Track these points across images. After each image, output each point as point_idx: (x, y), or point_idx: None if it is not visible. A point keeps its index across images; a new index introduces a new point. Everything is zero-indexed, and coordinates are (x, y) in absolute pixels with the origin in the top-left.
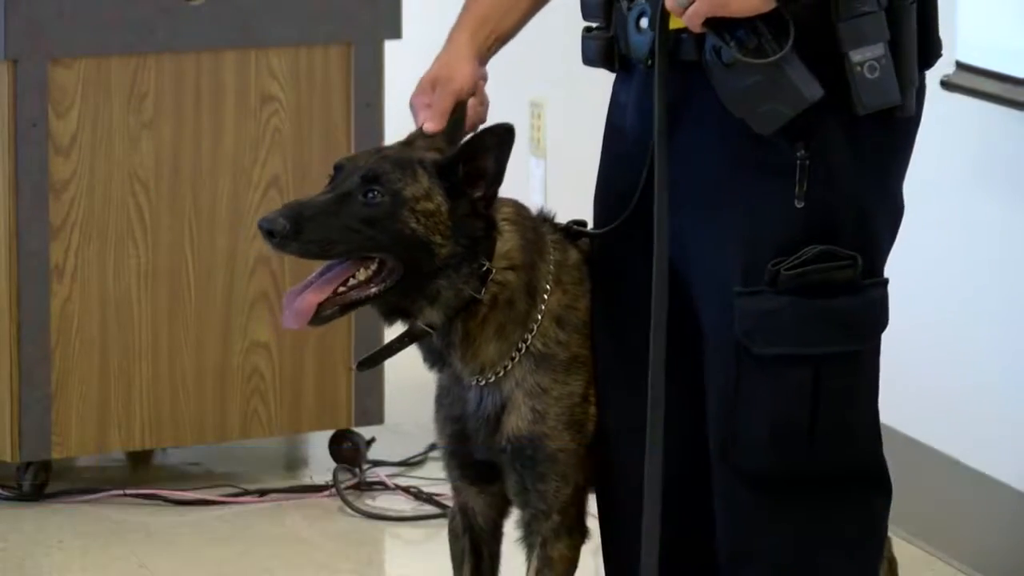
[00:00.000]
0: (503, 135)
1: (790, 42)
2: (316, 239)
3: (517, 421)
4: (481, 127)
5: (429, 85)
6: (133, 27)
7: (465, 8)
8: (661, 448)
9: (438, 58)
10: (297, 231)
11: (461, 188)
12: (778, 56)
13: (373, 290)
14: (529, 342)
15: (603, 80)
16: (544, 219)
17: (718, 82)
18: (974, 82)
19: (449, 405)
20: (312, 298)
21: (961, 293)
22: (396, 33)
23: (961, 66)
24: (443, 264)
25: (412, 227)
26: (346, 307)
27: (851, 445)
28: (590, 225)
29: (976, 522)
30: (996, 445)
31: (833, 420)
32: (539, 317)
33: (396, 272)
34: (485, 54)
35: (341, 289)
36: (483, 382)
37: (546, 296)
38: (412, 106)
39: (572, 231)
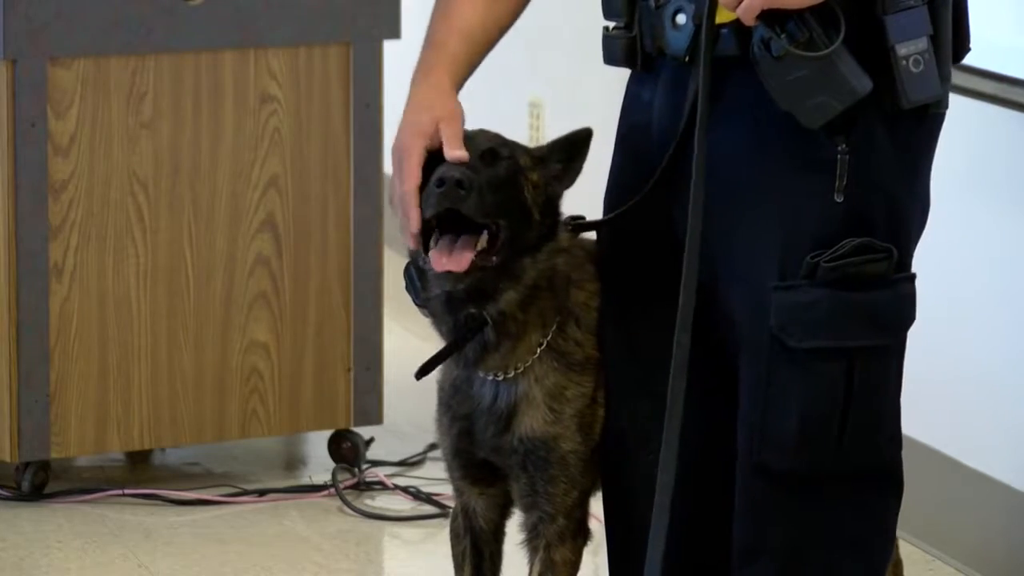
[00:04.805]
0: (586, 138)
1: (841, 35)
2: (481, 197)
3: (532, 421)
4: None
5: (432, 125)
6: (132, 27)
7: (434, 45)
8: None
9: (423, 101)
10: (471, 187)
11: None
12: (830, 49)
13: (494, 259)
14: (550, 338)
15: (602, 81)
16: None
17: (765, 75)
18: (971, 82)
19: (458, 404)
20: (468, 252)
21: (959, 293)
22: (395, 33)
23: (958, 66)
24: (535, 241)
25: (525, 195)
26: (480, 271)
27: (875, 443)
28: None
29: (976, 522)
30: (996, 445)
31: (863, 416)
32: (560, 313)
33: (504, 244)
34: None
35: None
36: (501, 377)
37: (568, 292)
38: (407, 149)
39: (576, 226)
